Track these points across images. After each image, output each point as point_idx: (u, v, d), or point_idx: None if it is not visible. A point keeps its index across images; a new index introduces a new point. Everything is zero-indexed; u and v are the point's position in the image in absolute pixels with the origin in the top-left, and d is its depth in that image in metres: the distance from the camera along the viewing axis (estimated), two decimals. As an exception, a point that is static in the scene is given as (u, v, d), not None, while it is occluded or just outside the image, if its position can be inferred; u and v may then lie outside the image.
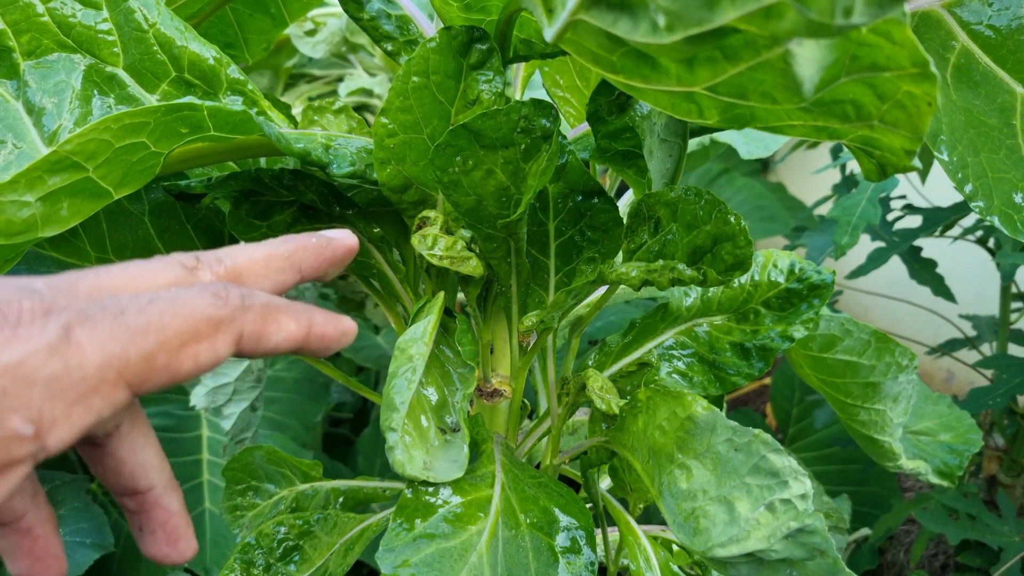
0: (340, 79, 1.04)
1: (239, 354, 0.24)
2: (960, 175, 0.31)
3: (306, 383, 1.36)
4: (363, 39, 1.01)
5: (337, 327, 0.27)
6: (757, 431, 0.29)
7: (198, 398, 0.90)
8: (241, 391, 0.92)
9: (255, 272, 0.26)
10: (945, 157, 0.31)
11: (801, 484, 0.28)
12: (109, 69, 0.39)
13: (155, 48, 0.39)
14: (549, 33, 0.23)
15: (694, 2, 0.18)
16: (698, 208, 0.33)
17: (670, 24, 0.18)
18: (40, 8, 0.38)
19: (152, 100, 0.40)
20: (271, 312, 0.24)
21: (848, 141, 0.25)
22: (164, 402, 1.22)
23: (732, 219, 0.32)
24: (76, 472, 1.35)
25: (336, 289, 1.23)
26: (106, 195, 0.32)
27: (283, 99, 1.09)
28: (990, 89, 0.34)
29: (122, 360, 0.20)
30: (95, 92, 0.39)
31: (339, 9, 1.02)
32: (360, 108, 1.01)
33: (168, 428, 1.19)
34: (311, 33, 0.97)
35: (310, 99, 1.06)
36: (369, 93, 0.97)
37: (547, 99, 0.56)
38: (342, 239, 0.30)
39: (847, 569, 0.27)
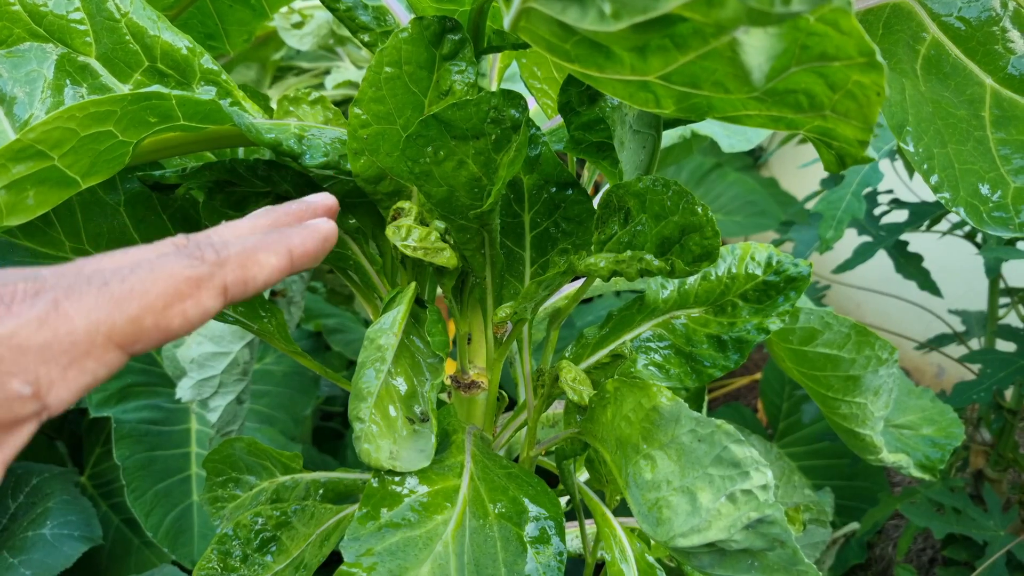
0: (328, 72, 1.04)
1: (233, 301, 0.25)
2: (926, 166, 0.31)
3: (295, 376, 1.36)
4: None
5: (316, 238, 0.28)
6: (720, 421, 0.29)
7: (184, 391, 0.90)
8: (227, 384, 0.91)
9: (244, 244, 0.27)
10: (911, 148, 0.31)
11: (762, 475, 0.28)
12: (81, 59, 0.39)
13: (128, 38, 0.39)
14: (506, 21, 0.23)
15: (638, -11, 0.18)
16: (666, 199, 0.33)
17: (616, 12, 0.18)
18: (10, -4, 0.38)
19: (125, 89, 0.40)
20: (249, 256, 0.25)
21: (807, 131, 0.25)
22: (153, 395, 1.22)
23: (699, 210, 0.32)
24: (65, 465, 1.35)
25: (325, 283, 1.23)
26: (73, 184, 0.32)
27: (270, 92, 1.09)
28: (959, 81, 0.34)
29: (108, 325, 0.22)
30: (67, 82, 0.39)
31: (327, 1, 1.02)
32: (347, 101, 1.01)
33: (156, 421, 1.19)
34: (298, 26, 0.96)
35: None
36: (355, 86, 0.97)
37: (522, 90, 0.56)
38: (322, 200, 0.32)
39: (806, 560, 0.28)
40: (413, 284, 0.38)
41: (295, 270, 0.27)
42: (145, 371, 1.24)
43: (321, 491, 0.57)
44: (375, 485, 0.31)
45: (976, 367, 1.19)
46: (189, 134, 0.38)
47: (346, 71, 0.97)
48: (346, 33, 0.99)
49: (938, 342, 1.23)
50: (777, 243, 1.20)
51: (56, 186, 0.31)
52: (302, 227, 0.28)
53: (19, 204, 0.30)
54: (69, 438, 1.46)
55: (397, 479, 0.32)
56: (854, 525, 1.28)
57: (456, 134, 0.35)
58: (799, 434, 1.47)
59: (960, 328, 1.32)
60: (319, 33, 0.96)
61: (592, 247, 0.38)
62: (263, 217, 0.29)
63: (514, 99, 0.34)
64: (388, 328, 0.34)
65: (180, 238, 0.26)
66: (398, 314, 0.35)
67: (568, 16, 0.20)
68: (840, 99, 0.21)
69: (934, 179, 0.31)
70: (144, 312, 0.22)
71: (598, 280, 0.51)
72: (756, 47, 0.19)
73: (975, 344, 1.30)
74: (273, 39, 0.98)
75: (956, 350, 1.36)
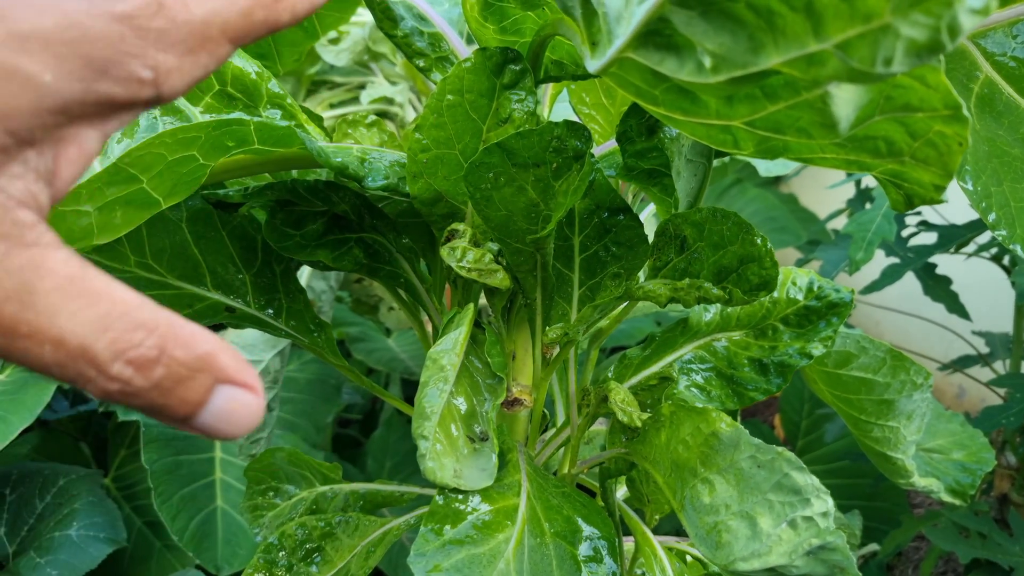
0: (361, 86, 1.05)
1: None
2: (984, 204, 0.32)
3: (318, 384, 1.38)
4: (385, 48, 1.02)
5: None
6: (780, 449, 0.30)
7: (216, 397, 0.91)
8: (258, 392, 0.93)
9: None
10: (969, 186, 0.32)
11: (823, 502, 0.29)
12: (154, 81, 0.41)
13: (199, 62, 0.41)
14: (593, 66, 0.24)
15: (740, 47, 0.19)
16: (725, 229, 0.34)
17: (716, 66, 0.19)
18: (91, 22, 0.39)
19: (196, 112, 0.42)
20: None
21: (877, 173, 0.26)
22: (180, 400, 1.24)
23: (759, 241, 0.33)
24: (90, 467, 1.37)
25: (351, 292, 1.24)
26: (156, 204, 0.34)
27: (306, 104, 1.11)
28: (1013, 119, 0.35)
29: (224, 17, 0.21)
30: (140, 103, 0.41)
31: (362, 19, 1.04)
32: (381, 115, 1.03)
33: (183, 426, 1.21)
34: (335, 42, 0.98)
35: (331, 105, 1.08)
36: (390, 101, 0.99)
37: (569, 114, 0.57)
38: None
39: (866, 586, 0.28)
40: (471, 306, 0.39)
41: None
42: (172, 376, 1.26)
43: (361, 502, 0.58)
44: (440, 503, 0.32)
45: (1002, 390, 1.19)
46: (256, 156, 0.40)
47: (381, 86, 0.99)
48: (380, 49, 1.01)
49: (961, 363, 1.23)
50: (802, 262, 1.21)
51: (141, 207, 0.33)
52: None
53: (108, 224, 0.32)
54: (93, 440, 1.48)
55: (461, 497, 0.33)
56: (874, 546, 1.28)
57: (517, 162, 0.37)
58: (819, 452, 1.47)
59: (982, 349, 1.31)
60: (355, 49, 0.97)
61: (646, 272, 0.39)
62: None
63: (577, 130, 0.35)
64: (450, 349, 0.35)
65: None
66: (459, 335, 0.36)
67: (665, 67, 0.21)
68: (920, 146, 0.22)
69: (991, 217, 0.32)
70: (256, 5, 0.21)
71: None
72: (846, 98, 0.20)
73: (1000, 366, 1.30)
74: (309, 54, 1.00)
75: (978, 371, 1.35)
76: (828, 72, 0.18)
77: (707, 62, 0.19)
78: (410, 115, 1.01)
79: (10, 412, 1.22)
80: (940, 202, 0.24)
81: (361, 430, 1.70)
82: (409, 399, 0.53)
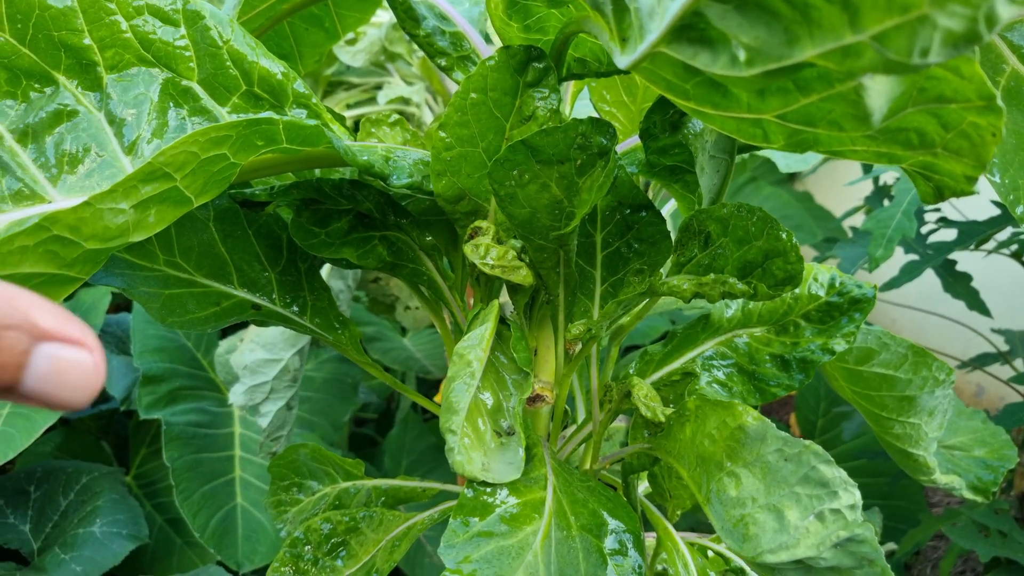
0: (377, 87, 1.06)
1: None
2: (1012, 196, 0.32)
3: (335, 383, 1.39)
4: (401, 48, 1.03)
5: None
6: (808, 442, 0.30)
7: (236, 396, 0.92)
8: (278, 390, 0.94)
9: None
10: (997, 179, 0.32)
11: (851, 495, 0.29)
12: (185, 83, 0.41)
13: (228, 63, 0.41)
14: (624, 61, 0.24)
15: (775, 39, 0.19)
16: (750, 224, 0.34)
17: (750, 59, 0.20)
18: (124, 25, 0.40)
19: (223, 111, 0.42)
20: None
21: (906, 165, 0.26)
22: (199, 399, 1.25)
23: (784, 236, 0.33)
24: (111, 464, 1.39)
25: (367, 292, 1.25)
26: (188, 202, 0.34)
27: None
28: (1039, 112, 0.34)
29: None
30: (171, 104, 0.41)
31: (378, 20, 1.05)
32: (398, 114, 1.04)
33: (203, 424, 1.22)
34: (351, 43, 0.99)
35: (348, 105, 1.09)
36: (407, 101, 0.99)
37: (589, 109, 0.58)
38: None
39: (896, 577, 0.28)
40: (496, 302, 0.39)
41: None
42: (192, 375, 1.27)
43: (383, 497, 0.59)
44: (469, 496, 0.33)
45: (1021, 387, 1.17)
46: (284, 155, 0.40)
47: (397, 86, 0.99)
48: (396, 50, 1.01)
49: (981, 361, 1.22)
50: (819, 260, 1.20)
51: (174, 205, 0.33)
52: None
53: (142, 222, 0.32)
54: (114, 438, 1.50)
55: (489, 490, 0.33)
56: (892, 545, 1.27)
57: (541, 159, 0.37)
58: (836, 451, 1.46)
59: (1001, 346, 1.30)
60: (371, 50, 0.98)
61: (669, 268, 0.39)
62: None
63: (602, 127, 0.35)
64: (477, 344, 0.35)
65: None
66: (486, 331, 0.36)
67: (698, 61, 0.21)
68: (953, 138, 0.22)
69: (1020, 209, 0.32)
70: None
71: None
72: (879, 90, 0.20)
73: (1020, 363, 1.28)
74: (327, 55, 1.01)
75: (997, 369, 1.34)
76: (864, 64, 0.18)
77: (741, 55, 0.20)
78: (427, 115, 1.02)
79: (33, 411, 1.24)
80: (972, 193, 0.24)
81: (377, 429, 1.71)
82: (425, 397, 0.54)
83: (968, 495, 0.71)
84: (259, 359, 0.92)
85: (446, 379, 0.35)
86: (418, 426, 1.40)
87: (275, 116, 0.34)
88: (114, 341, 1.42)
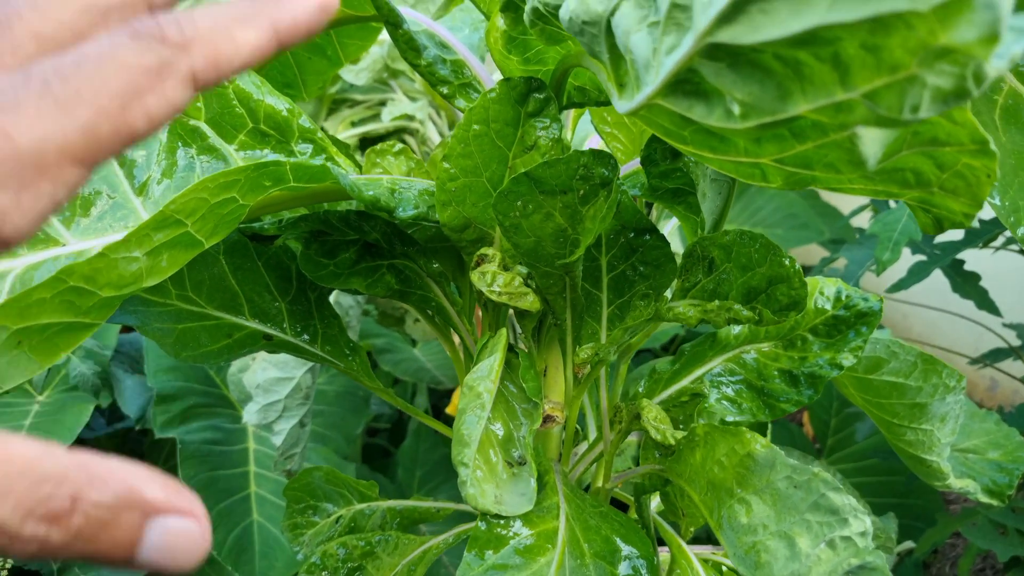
0: (381, 103, 1.07)
1: (205, 88, 0.20)
2: (1012, 218, 0.32)
3: (347, 396, 1.40)
4: (403, 65, 1.04)
5: (309, 7, 0.21)
6: (816, 469, 0.31)
7: (250, 415, 0.93)
8: (291, 408, 0.95)
9: (217, 28, 0.21)
10: (997, 201, 0.32)
11: (861, 522, 0.30)
12: (192, 122, 0.42)
13: (234, 102, 0.42)
14: (622, 107, 0.25)
15: (768, 95, 0.19)
16: (752, 251, 0.34)
17: (744, 113, 0.20)
18: (129, 68, 0.41)
19: (230, 149, 0.43)
20: (220, 32, 0.20)
21: (906, 199, 0.26)
22: (213, 416, 1.26)
23: (787, 262, 0.34)
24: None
25: (376, 305, 1.26)
26: (199, 245, 0.35)
27: (327, 123, 1.13)
28: (1039, 130, 0.35)
29: (59, 138, 0.18)
30: (179, 144, 0.42)
31: (381, 37, 1.05)
32: (401, 131, 1.04)
33: (218, 441, 1.23)
34: (354, 61, 1.00)
35: (352, 123, 1.10)
36: (411, 118, 1.00)
37: (596, 132, 0.58)
38: None
39: (908, 604, 0.29)
40: (504, 331, 0.40)
41: (282, 47, 0.21)
42: (205, 392, 1.28)
43: (397, 519, 0.59)
44: (482, 528, 0.33)
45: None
46: (291, 193, 0.41)
47: (401, 103, 1.00)
48: (399, 67, 1.02)
49: (992, 357, 1.21)
50: (827, 261, 1.20)
51: (185, 248, 0.34)
52: None
53: (155, 267, 0.33)
54: (130, 457, 1.51)
55: (502, 522, 0.33)
56: (909, 544, 1.26)
57: (545, 189, 0.37)
58: (849, 450, 1.45)
59: (1013, 342, 1.29)
60: (374, 68, 0.99)
61: (675, 292, 0.39)
62: None
63: (603, 159, 0.35)
64: (486, 375, 0.36)
65: (141, 19, 0.20)
66: (494, 362, 0.37)
67: (694, 113, 0.21)
68: (948, 178, 0.22)
69: (1021, 231, 0.32)
70: (99, 118, 0.18)
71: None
72: (873, 138, 0.21)
73: (1032, 360, 1.27)
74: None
75: (1009, 364, 1.33)
76: (856, 118, 0.19)
77: (736, 109, 0.20)
78: (430, 130, 1.02)
79: (51, 432, 1.25)
80: (970, 226, 0.25)
81: (390, 439, 1.71)
82: (436, 408, 0.54)
83: (983, 499, 0.70)
84: (271, 377, 0.93)
85: (458, 411, 0.36)
86: (431, 437, 1.40)
87: (283, 159, 0.34)
88: (127, 361, 1.44)
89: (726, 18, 0.18)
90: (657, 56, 0.21)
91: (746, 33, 0.18)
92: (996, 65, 0.17)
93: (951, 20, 0.15)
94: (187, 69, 0.19)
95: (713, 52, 0.20)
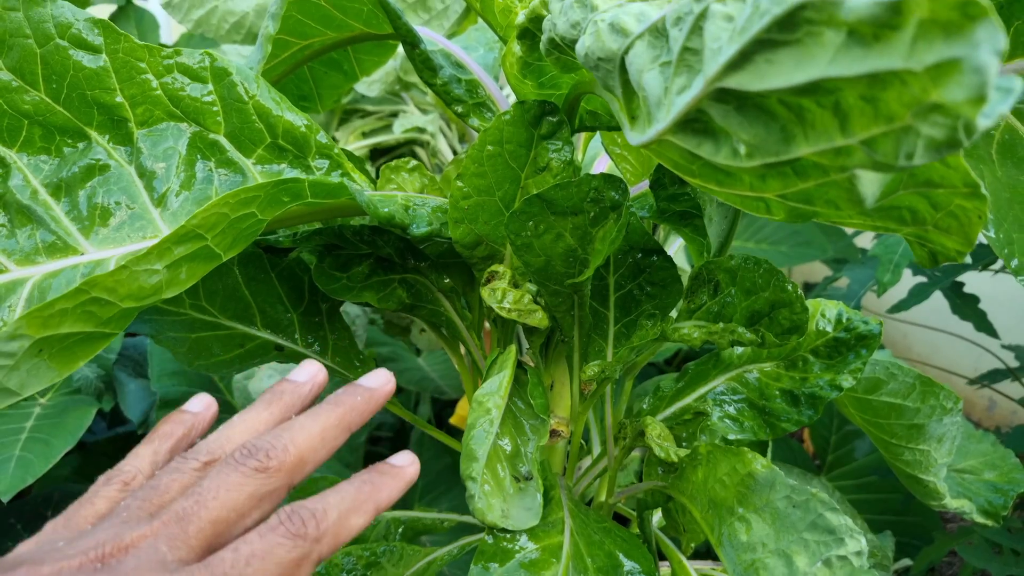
0: (392, 114, 1.09)
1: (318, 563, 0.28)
2: (1006, 251, 0.33)
3: (350, 403, 1.40)
4: (415, 78, 1.05)
5: (400, 487, 0.32)
6: (815, 490, 0.32)
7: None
8: (295, 415, 0.96)
9: (314, 448, 0.30)
10: (992, 234, 0.33)
11: (856, 542, 0.31)
12: (212, 136, 0.43)
13: (254, 117, 0.43)
14: (634, 139, 0.26)
15: (772, 137, 0.21)
16: (756, 276, 0.36)
17: (750, 153, 0.21)
18: (155, 83, 0.42)
19: (248, 163, 0.44)
20: (343, 522, 0.28)
21: (903, 234, 0.27)
22: (215, 422, 1.27)
23: (789, 287, 0.35)
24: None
25: (382, 315, 1.27)
26: (217, 258, 0.36)
27: (338, 133, 1.14)
28: (1035, 165, 0.36)
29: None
30: (198, 156, 0.43)
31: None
32: (413, 143, 1.06)
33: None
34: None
35: (363, 134, 1.11)
36: (422, 130, 1.01)
37: (606, 152, 0.59)
38: (380, 386, 0.35)
39: (901, 623, 0.29)
40: (513, 348, 0.41)
41: (380, 510, 0.30)
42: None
43: (401, 529, 0.60)
44: (489, 542, 0.34)
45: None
46: (307, 208, 0.42)
47: (412, 115, 1.02)
48: (411, 79, 1.04)
49: (991, 377, 1.22)
50: (829, 280, 1.21)
51: (204, 261, 0.35)
52: (391, 477, 0.31)
53: (175, 279, 0.34)
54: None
55: (508, 536, 0.34)
56: (906, 562, 1.26)
57: (556, 210, 0.39)
58: (849, 467, 1.46)
59: (1011, 363, 1.30)
60: (386, 80, 1.01)
61: (680, 313, 0.41)
62: (331, 414, 0.32)
63: (614, 183, 0.37)
64: (495, 391, 0.37)
65: (286, 510, 0.27)
66: (503, 378, 0.38)
67: (702, 151, 0.22)
68: (942, 217, 0.24)
69: (1015, 263, 0.33)
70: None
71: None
72: (871, 179, 0.22)
73: (1032, 381, 1.28)
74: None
75: (1008, 385, 1.33)
76: (854, 162, 0.20)
77: (742, 149, 0.21)
78: (441, 142, 1.04)
79: (53, 435, 1.26)
80: (963, 260, 0.26)
81: (392, 448, 1.72)
82: (439, 417, 0.55)
83: (979, 519, 0.71)
84: (277, 385, 0.94)
85: (467, 425, 0.37)
86: (433, 447, 1.41)
87: (301, 176, 0.36)
88: (131, 365, 1.45)
89: (734, 66, 0.20)
90: (668, 95, 0.22)
91: (753, 81, 0.19)
92: (983, 123, 0.18)
93: (942, 80, 0.16)
94: (317, 557, 0.27)
95: (721, 96, 0.21)
